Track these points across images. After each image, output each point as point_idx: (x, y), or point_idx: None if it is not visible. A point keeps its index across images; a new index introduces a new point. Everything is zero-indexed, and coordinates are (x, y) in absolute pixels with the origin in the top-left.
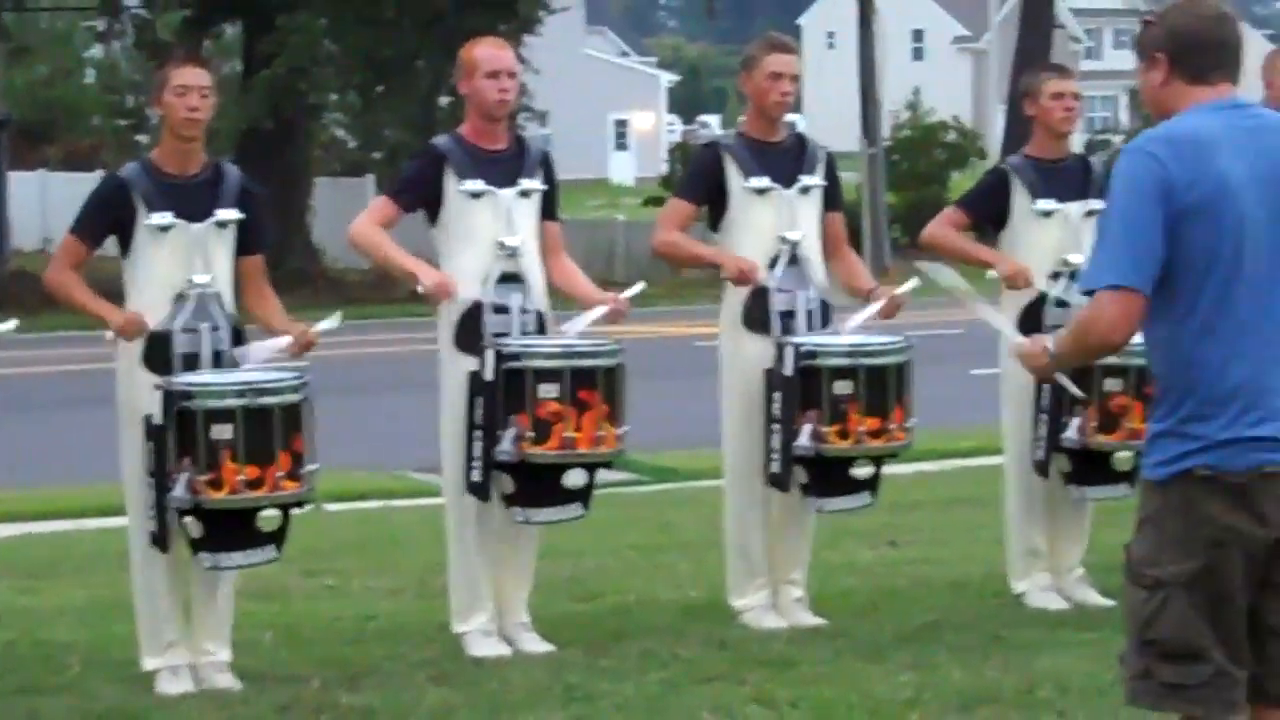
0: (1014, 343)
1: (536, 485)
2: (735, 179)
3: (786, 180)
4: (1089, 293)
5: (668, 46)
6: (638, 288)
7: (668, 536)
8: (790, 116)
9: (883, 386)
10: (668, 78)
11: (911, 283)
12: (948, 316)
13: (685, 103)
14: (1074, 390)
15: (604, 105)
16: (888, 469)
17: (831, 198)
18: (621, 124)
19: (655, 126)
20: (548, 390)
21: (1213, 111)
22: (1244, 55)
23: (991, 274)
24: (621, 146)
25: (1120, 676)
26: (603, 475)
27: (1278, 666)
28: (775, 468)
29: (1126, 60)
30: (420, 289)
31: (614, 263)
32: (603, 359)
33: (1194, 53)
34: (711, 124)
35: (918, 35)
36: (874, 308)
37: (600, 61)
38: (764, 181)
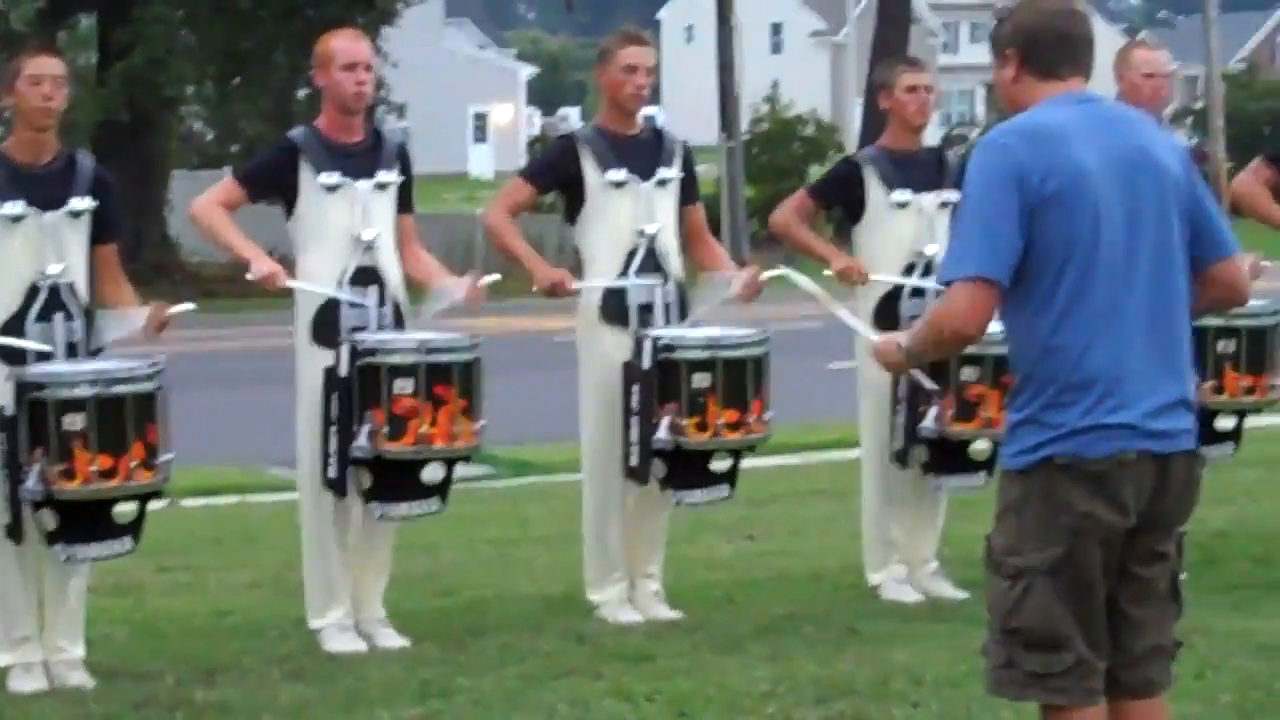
0: (870, 341)
1: (393, 481)
2: (592, 172)
3: (644, 173)
4: (946, 284)
5: (527, 39)
6: (494, 277)
7: (525, 531)
8: (649, 110)
9: (741, 379)
10: (527, 70)
11: (776, 270)
12: (806, 310)
13: (545, 95)
14: (928, 384)
15: (463, 98)
16: (747, 462)
17: (689, 190)
18: (480, 117)
19: (514, 119)
20: (403, 386)
21: (1064, 104)
22: (1094, 50)
23: (829, 271)
24: (480, 139)
25: (984, 667)
26: (461, 469)
27: (1132, 656)
28: (634, 461)
29: (983, 54)
30: (251, 274)
31: (473, 256)
32: (459, 354)
33: (1043, 49)
34: (571, 117)
35: (776, 29)
36: (734, 287)
37: (459, 54)
38: (621, 174)
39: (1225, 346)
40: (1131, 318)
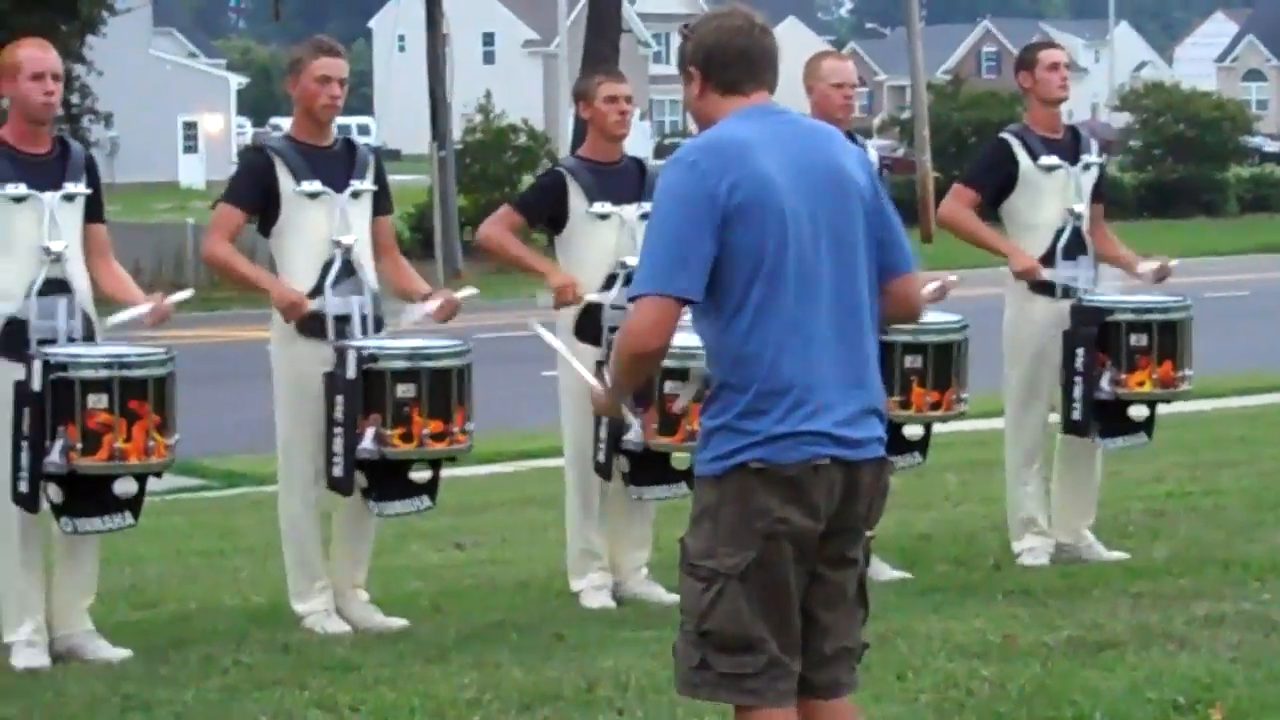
0: (592, 387)
1: (86, 495)
2: (286, 183)
3: (338, 184)
4: (633, 299)
5: (237, 48)
6: (185, 294)
7: (232, 542)
8: (361, 119)
9: (445, 389)
10: (237, 80)
11: (469, 290)
12: (518, 318)
13: (255, 105)
14: (630, 418)
15: (172, 107)
16: (459, 470)
17: (382, 202)
18: (190, 126)
19: (225, 129)
20: (97, 400)
21: (750, 118)
22: (777, 62)
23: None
24: (191, 149)
25: (675, 668)
26: (171, 480)
27: (822, 658)
28: (338, 471)
29: None
30: None
31: (184, 266)
32: (152, 369)
33: (724, 66)
34: (284, 126)
35: (488, 39)
36: (430, 306)
37: (168, 63)
38: (316, 185)
39: (912, 362)
40: (820, 328)
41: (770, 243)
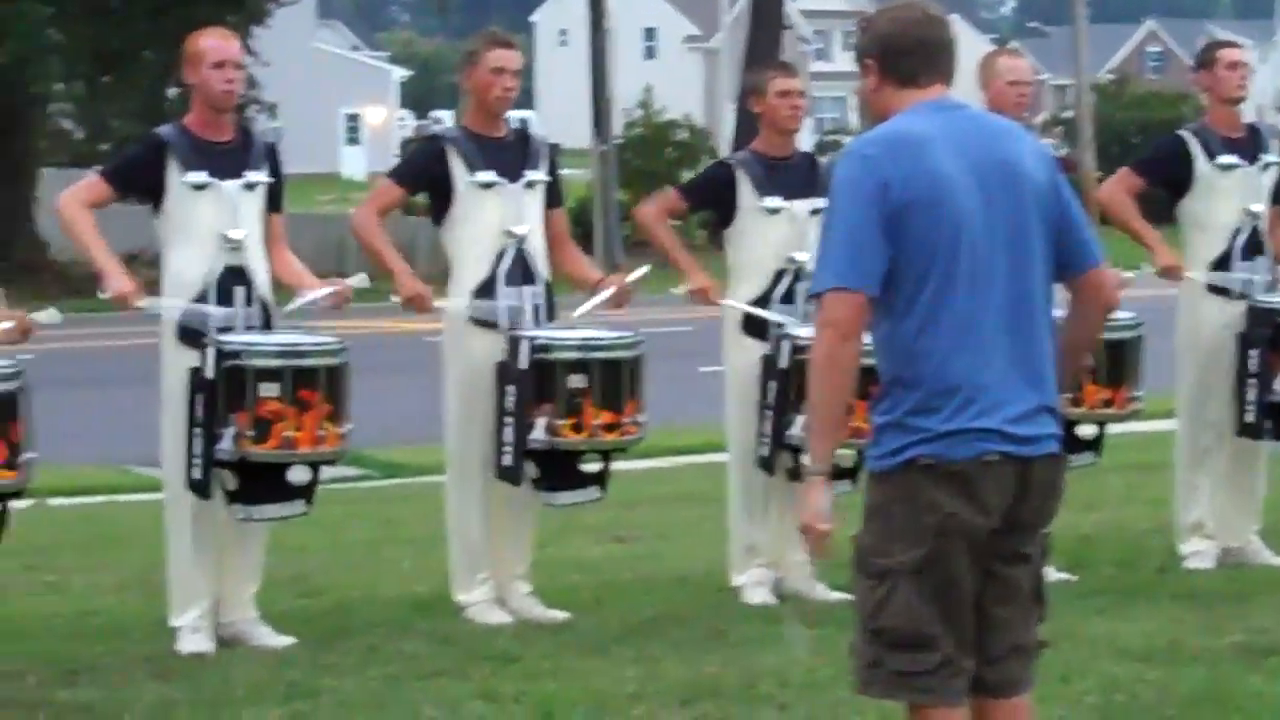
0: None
1: (258, 483)
2: (461, 173)
3: (512, 175)
4: (815, 296)
5: (400, 41)
6: (360, 278)
7: (393, 532)
8: (523, 113)
9: (616, 380)
10: (400, 72)
11: (640, 270)
12: (677, 314)
13: (418, 98)
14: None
15: (335, 99)
16: (616, 464)
17: (553, 193)
18: (353, 118)
19: (387, 121)
20: (268, 389)
21: (926, 112)
22: (954, 55)
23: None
24: (353, 141)
25: (852, 666)
26: (332, 470)
27: (995, 655)
28: (507, 461)
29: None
30: (103, 292)
31: (345, 257)
32: (324, 358)
33: (901, 57)
34: (445, 119)
35: (650, 34)
36: (604, 295)
37: (331, 55)
38: (490, 176)
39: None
40: (992, 326)
41: (943, 240)
